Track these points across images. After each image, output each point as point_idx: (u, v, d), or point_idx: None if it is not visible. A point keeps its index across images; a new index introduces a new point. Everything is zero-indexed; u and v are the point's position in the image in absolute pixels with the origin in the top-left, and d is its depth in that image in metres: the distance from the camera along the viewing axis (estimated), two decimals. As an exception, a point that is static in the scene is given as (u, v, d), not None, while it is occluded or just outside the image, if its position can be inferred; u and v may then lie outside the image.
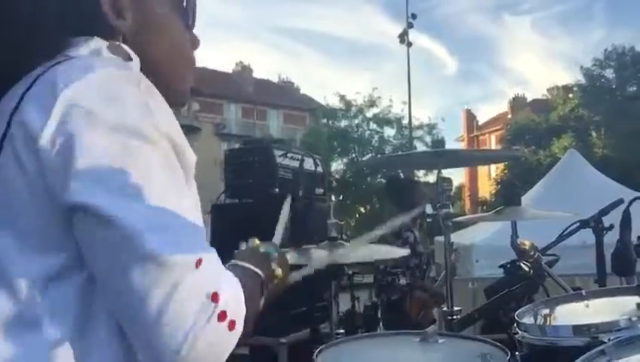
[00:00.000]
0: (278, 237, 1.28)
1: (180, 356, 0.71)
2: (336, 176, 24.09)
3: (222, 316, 0.73)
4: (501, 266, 2.50)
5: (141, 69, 0.89)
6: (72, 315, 0.75)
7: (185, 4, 1.00)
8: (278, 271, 1.02)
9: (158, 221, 0.72)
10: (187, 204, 0.77)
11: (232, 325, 0.75)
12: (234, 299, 0.77)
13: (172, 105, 1.01)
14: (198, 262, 0.73)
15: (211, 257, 0.76)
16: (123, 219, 0.70)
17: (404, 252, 3.09)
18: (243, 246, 1.05)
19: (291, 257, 1.23)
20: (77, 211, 0.72)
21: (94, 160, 0.71)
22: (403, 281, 3.80)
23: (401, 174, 5.41)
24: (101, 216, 0.71)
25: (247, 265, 0.95)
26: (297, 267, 1.19)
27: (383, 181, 22.54)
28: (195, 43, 1.03)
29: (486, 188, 31.88)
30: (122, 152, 0.73)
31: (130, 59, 0.88)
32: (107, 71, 0.78)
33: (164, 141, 0.77)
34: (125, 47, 0.88)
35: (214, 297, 0.73)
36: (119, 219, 0.70)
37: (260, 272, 0.95)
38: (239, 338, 0.78)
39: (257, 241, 1.05)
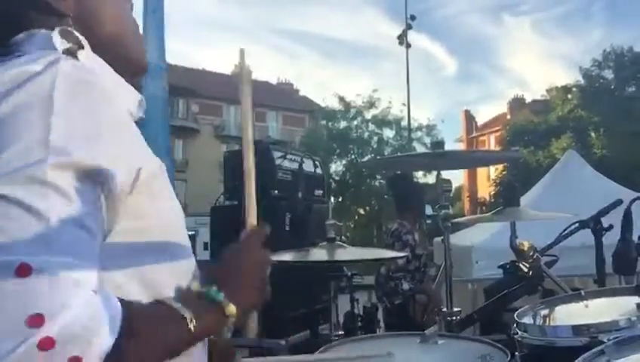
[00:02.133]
0: None
1: None
2: (336, 178, 24.07)
3: (46, 343, 0.57)
4: (500, 267, 2.50)
5: (95, 50, 0.88)
6: None
7: None
8: (231, 309, 0.82)
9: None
10: (60, 218, 0.65)
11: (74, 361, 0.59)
12: (79, 331, 0.60)
13: (137, 74, 1.00)
14: (22, 270, 0.60)
15: (53, 272, 0.61)
16: None
17: (403, 255, 3.09)
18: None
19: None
20: None
21: None
22: (406, 286, 3.81)
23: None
24: None
25: (165, 301, 0.77)
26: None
27: (383, 182, 22.56)
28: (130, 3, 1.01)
29: (485, 189, 31.88)
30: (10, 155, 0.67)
31: (81, 46, 0.85)
32: (18, 71, 0.74)
33: (63, 157, 0.69)
34: (76, 33, 0.86)
35: (36, 319, 0.58)
36: None
37: (190, 317, 0.76)
38: None
39: (196, 284, 0.85)
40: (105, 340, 0.62)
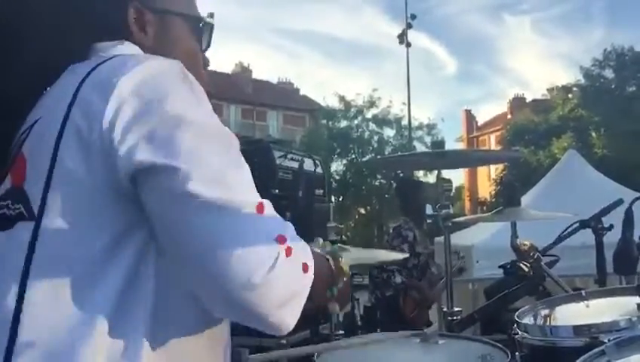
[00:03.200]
0: None
1: (252, 291, 0.76)
2: (336, 177, 24.05)
3: (288, 251, 0.79)
4: (501, 267, 2.50)
5: None
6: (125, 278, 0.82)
7: (203, 30, 1.12)
8: (346, 267, 1.07)
9: (216, 175, 0.80)
10: (239, 168, 0.86)
11: (305, 267, 0.83)
12: (301, 245, 0.84)
13: None
14: (260, 207, 0.81)
15: (271, 206, 0.83)
16: (184, 176, 0.78)
17: (403, 256, 3.08)
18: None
19: None
20: (141, 173, 0.80)
21: (154, 132, 0.80)
22: (398, 279, 3.81)
23: (401, 174, 5.42)
24: (163, 172, 0.79)
25: (317, 250, 1.00)
26: None
27: (383, 182, 22.55)
28: (206, 63, 1.16)
29: (486, 189, 31.88)
30: (176, 127, 0.81)
31: None
32: (157, 63, 0.89)
33: (212, 123, 0.87)
34: None
35: (280, 238, 0.80)
36: (181, 176, 0.78)
37: (329, 258, 1.01)
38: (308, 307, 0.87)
39: (322, 241, 1.12)
40: (311, 254, 0.87)
